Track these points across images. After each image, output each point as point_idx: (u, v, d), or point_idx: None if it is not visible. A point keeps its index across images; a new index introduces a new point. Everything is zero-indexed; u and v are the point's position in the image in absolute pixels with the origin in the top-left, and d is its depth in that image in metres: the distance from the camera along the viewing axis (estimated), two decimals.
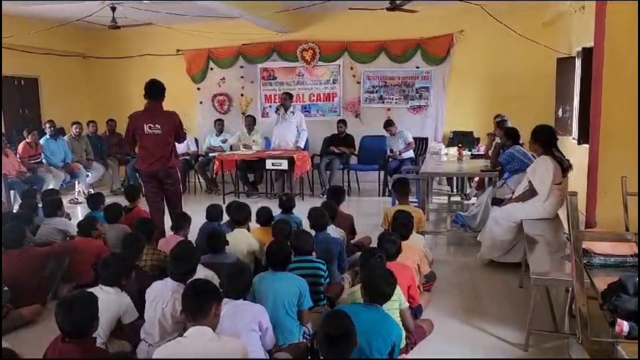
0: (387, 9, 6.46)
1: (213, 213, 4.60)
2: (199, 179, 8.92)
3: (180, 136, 5.32)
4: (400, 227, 3.84)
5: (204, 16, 8.46)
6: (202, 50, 9.55)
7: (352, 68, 9.08)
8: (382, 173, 8.13)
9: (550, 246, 3.87)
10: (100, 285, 3.11)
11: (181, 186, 5.78)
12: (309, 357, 3.02)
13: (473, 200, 7.07)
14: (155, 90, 5.06)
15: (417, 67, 8.77)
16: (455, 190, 7.93)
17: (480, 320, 3.69)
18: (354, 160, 8.59)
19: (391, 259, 3.41)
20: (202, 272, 3.46)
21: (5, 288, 2.81)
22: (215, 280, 3.29)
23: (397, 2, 6.24)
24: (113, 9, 7.21)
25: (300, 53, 9.17)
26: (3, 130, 7.98)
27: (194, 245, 3.81)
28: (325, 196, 7.73)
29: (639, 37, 3.90)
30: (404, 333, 2.90)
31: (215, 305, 2.35)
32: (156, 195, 5.18)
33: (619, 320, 2.38)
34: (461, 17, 8.17)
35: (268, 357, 2.76)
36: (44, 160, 7.87)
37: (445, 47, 8.57)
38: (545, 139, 4.54)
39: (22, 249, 3.93)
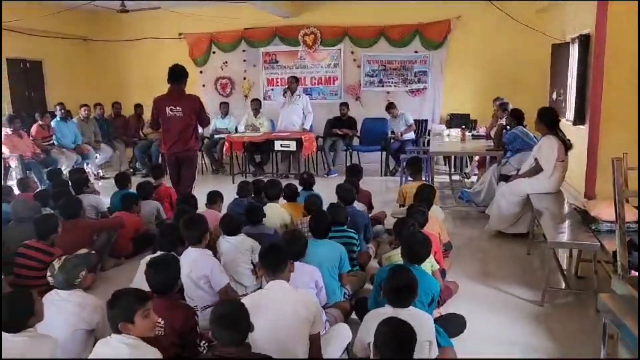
0: None
1: (244, 190, 4.89)
2: (204, 160, 9.16)
3: (203, 119, 5.45)
4: (424, 200, 4.21)
5: (207, 0, 8.64)
6: (205, 34, 9.71)
7: (352, 52, 9.37)
8: (384, 154, 8.48)
9: (558, 216, 4.27)
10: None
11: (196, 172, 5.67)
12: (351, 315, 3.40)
13: (473, 179, 7.50)
14: (177, 74, 5.26)
15: (416, 52, 9.10)
16: (452, 169, 8.33)
17: (496, 282, 4.11)
18: (355, 141, 8.91)
19: (420, 227, 3.77)
20: (247, 242, 3.81)
21: (93, 252, 3.07)
22: (257, 248, 3.65)
23: None
24: None
25: (302, 37, 9.41)
26: (11, 112, 8.08)
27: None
28: (329, 176, 8.15)
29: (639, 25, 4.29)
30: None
31: (289, 262, 2.69)
32: (178, 176, 5.43)
33: (632, 272, 2.81)
34: (458, 3, 8.50)
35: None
36: (55, 142, 8.02)
37: (442, 33, 8.90)
38: (550, 120, 4.93)
39: (76, 221, 4.22)
